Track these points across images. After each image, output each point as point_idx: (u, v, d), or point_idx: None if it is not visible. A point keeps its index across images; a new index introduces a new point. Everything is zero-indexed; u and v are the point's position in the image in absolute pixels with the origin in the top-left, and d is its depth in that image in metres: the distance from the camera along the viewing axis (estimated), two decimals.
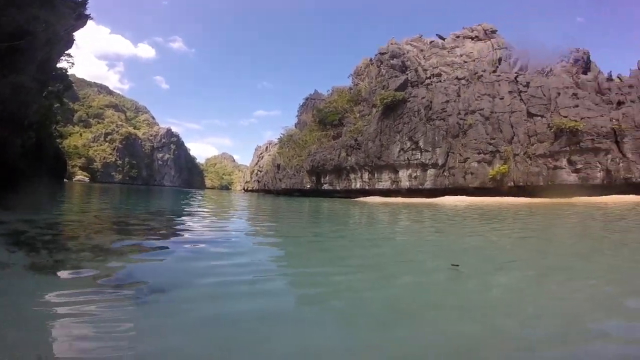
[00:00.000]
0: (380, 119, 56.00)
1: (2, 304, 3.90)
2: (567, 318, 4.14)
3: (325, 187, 64.87)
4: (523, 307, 4.56)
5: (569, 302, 4.72)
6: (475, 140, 45.53)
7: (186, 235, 9.44)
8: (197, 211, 18.94)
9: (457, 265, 6.16)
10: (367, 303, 4.57)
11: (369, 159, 55.74)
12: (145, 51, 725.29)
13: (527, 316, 4.26)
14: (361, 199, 50.61)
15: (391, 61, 64.58)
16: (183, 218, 14.70)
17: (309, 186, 68.58)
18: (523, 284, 5.71)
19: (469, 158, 45.30)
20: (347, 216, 19.85)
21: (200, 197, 39.56)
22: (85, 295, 4.13)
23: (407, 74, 60.46)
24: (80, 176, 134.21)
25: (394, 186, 52.64)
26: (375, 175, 55.62)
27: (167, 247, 7.45)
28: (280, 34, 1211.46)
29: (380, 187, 54.31)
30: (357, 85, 72.66)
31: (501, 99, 46.91)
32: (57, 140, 63.04)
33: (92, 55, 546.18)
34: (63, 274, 4.96)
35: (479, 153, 44.73)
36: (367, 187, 56.58)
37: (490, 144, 44.52)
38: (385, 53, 67.27)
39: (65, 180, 72.13)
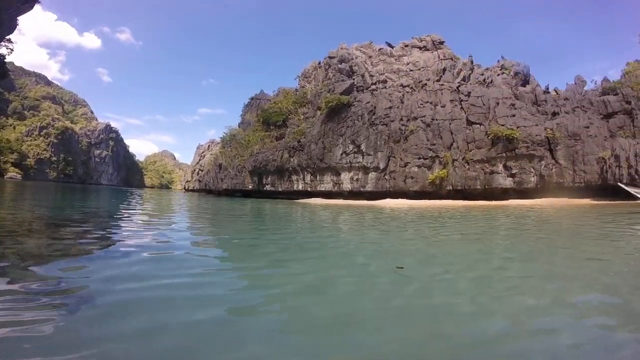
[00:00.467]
0: (324, 121, 55.47)
1: None
2: (507, 316, 4.29)
3: (267, 188, 63.51)
4: (464, 306, 4.58)
5: (507, 300, 4.92)
6: (416, 145, 45.71)
7: (121, 238, 8.97)
8: (134, 212, 18.46)
9: (402, 268, 6.24)
10: (309, 306, 4.55)
11: (311, 160, 54.92)
12: (91, 41, 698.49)
13: (468, 316, 4.28)
14: (303, 200, 49.80)
15: (339, 65, 64.76)
16: (119, 220, 14.11)
17: (250, 187, 66.98)
18: (465, 284, 5.68)
19: (409, 163, 45.38)
20: (288, 218, 19.59)
21: (138, 197, 38.63)
22: (7, 306, 3.81)
23: (354, 79, 60.64)
24: (12, 173, 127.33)
25: (335, 188, 52.05)
26: (318, 177, 54.84)
27: (100, 252, 7.03)
28: (231, 32, 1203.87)
29: (322, 189, 53.58)
30: (303, 87, 72.45)
31: (443, 107, 47.53)
32: None
33: (34, 42, 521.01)
34: None
35: (419, 158, 44.89)
36: (309, 189, 55.73)
37: (430, 149, 44.82)
38: (334, 57, 67.41)
39: None
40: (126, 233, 10.07)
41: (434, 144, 44.96)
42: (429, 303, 4.66)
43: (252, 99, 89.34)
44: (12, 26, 39.87)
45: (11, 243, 7.21)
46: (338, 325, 3.87)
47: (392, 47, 67.22)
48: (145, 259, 6.49)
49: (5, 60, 49.82)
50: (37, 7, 39.93)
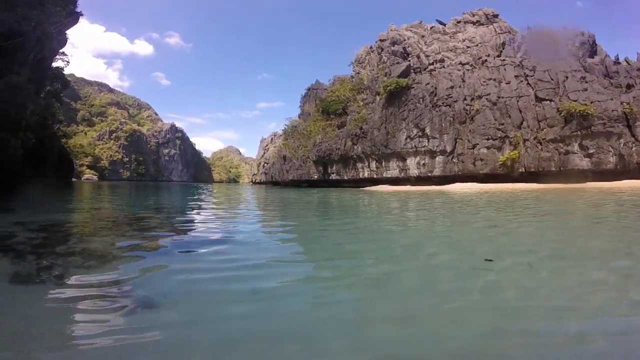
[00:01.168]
0: (384, 106, 55.79)
1: None
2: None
3: (333, 177, 64.88)
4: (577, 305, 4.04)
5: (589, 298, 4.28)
6: (483, 125, 45.52)
7: (190, 233, 8.89)
8: (203, 206, 18.74)
9: (491, 260, 5.72)
10: (369, 301, 4.28)
11: (375, 147, 55.55)
12: (143, 48, 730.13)
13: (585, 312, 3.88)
14: (369, 188, 50.58)
15: (392, 48, 64.12)
16: (188, 214, 14.27)
17: (316, 177, 68.53)
18: (563, 278, 5.07)
19: (477, 144, 45.31)
20: (356, 206, 19.28)
21: (207, 192, 39.12)
22: (66, 309, 3.72)
23: (409, 60, 60.23)
24: (89, 175, 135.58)
25: (402, 174, 52.54)
26: (383, 163, 55.49)
27: (167, 248, 6.77)
28: (276, 24, 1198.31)
29: (389, 175, 54.27)
30: (358, 73, 72.46)
31: (507, 83, 46.86)
32: (62, 140, 63.95)
33: (90, 54, 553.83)
34: (46, 283, 4.54)
35: (487, 139, 44.74)
36: (375, 176, 56.53)
37: (498, 129, 44.52)
38: (385, 40, 66.90)
39: (73, 179, 72.24)
40: (194, 226, 10.10)
41: (503, 124, 44.61)
42: (507, 301, 4.20)
43: (308, 89, 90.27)
44: (62, 40, 43.11)
45: (77, 242, 7.27)
46: (398, 323, 3.58)
47: (443, 24, 65.95)
48: (211, 253, 6.39)
49: (63, 72, 54.43)
50: (84, 20, 43.12)
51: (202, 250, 6.52)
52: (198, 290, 4.37)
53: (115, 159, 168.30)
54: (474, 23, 62.09)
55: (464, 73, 52.16)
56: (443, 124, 48.29)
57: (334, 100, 70.33)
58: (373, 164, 57.08)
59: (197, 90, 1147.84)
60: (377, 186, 52.38)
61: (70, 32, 45.86)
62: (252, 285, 4.47)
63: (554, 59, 46.29)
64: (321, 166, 67.45)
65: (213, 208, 17.21)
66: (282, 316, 3.70)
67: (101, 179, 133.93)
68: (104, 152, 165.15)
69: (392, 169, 54.10)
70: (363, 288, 4.71)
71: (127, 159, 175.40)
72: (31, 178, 39.70)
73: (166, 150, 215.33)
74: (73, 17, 42.33)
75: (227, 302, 4.02)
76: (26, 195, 24.00)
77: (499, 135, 44.29)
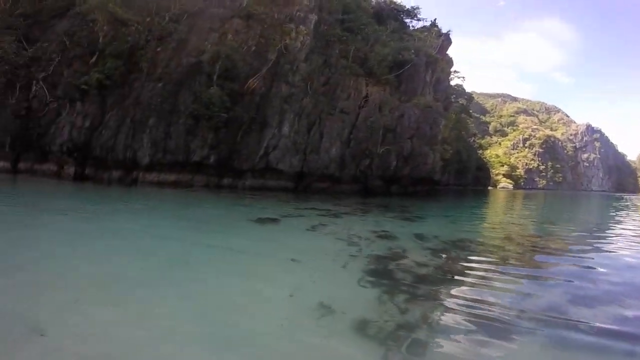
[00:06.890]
0: None
1: None
2: None
3: None
4: None
5: None
6: None
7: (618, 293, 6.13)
8: (628, 234, 13.96)
9: None
10: None
11: None
12: None
13: None
14: None
15: None
16: (613, 249, 10.72)
17: None
18: None
19: None
20: None
21: (631, 208, 32.74)
22: None
23: None
24: (504, 183, 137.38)
25: None
26: None
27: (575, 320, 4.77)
28: None
29: None
30: None
31: None
32: (479, 151, 70.30)
33: (478, 70, 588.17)
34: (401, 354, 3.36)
35: None
36: None
37: None
38: None
39: (489, 187, 75.18)
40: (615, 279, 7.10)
41: None
42: None
43: None
44: (448, 60, 46.98)
45: (470, 282, 5.78)
46: None
47: None
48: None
49: (464, 88, 61.52)
50: (456, 40, 46.43)
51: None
52: None
53: (530, 167, 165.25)
54: None
55: None
56: None
57: None
58: None
59: (603, 82, 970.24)
60: None
61: (452, 53, 49.53)
62: None
63: None
64: None
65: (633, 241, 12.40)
66: None
67: (516, 188, 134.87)
68: (519, 160, 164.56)
69: None
70: None
71: (543, 167, 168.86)
72: (452, 186, 44.12)
73: (585, 155, 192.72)
74: (444, 38, 44.73)
75: None
76: (444, 204, 24.96)
77: None
